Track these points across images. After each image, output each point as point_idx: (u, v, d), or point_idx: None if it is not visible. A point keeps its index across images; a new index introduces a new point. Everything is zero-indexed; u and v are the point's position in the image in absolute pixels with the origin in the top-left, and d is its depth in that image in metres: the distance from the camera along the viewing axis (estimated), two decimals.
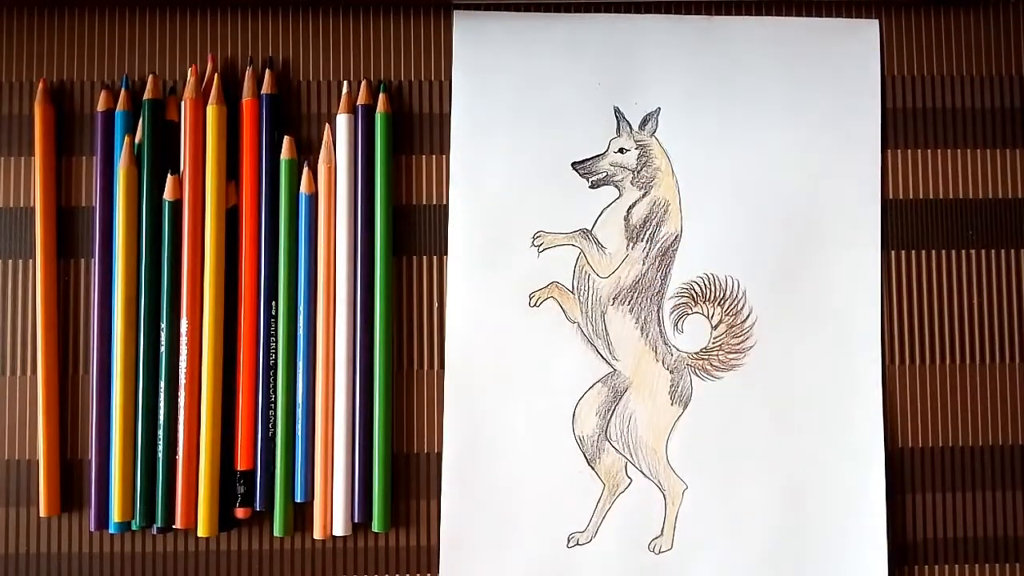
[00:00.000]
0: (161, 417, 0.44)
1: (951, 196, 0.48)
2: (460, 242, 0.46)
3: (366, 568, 0.45)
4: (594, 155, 0.47)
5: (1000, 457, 0.47)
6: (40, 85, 0.46)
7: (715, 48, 0.48)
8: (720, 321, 0.46)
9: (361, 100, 0.46)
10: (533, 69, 0.47)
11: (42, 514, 0.44)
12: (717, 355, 0.46)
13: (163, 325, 0.45)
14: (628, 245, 0.47)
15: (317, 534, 0.45)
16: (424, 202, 0.47)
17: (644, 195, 0.47)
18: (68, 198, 0.46)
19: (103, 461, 0.44)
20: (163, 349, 0.44)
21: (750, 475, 0.46)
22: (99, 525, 0.44)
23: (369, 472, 0.45)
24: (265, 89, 0.46)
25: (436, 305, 0.46)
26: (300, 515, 0.45)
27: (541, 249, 0.46)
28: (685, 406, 0.46)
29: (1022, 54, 0.48)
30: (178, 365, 0.45)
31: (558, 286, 0.46)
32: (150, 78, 0.45)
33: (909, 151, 0.48)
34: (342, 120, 0.46)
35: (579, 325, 0.46)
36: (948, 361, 0.47)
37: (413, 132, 0.47)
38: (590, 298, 0.46)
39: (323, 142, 0.46)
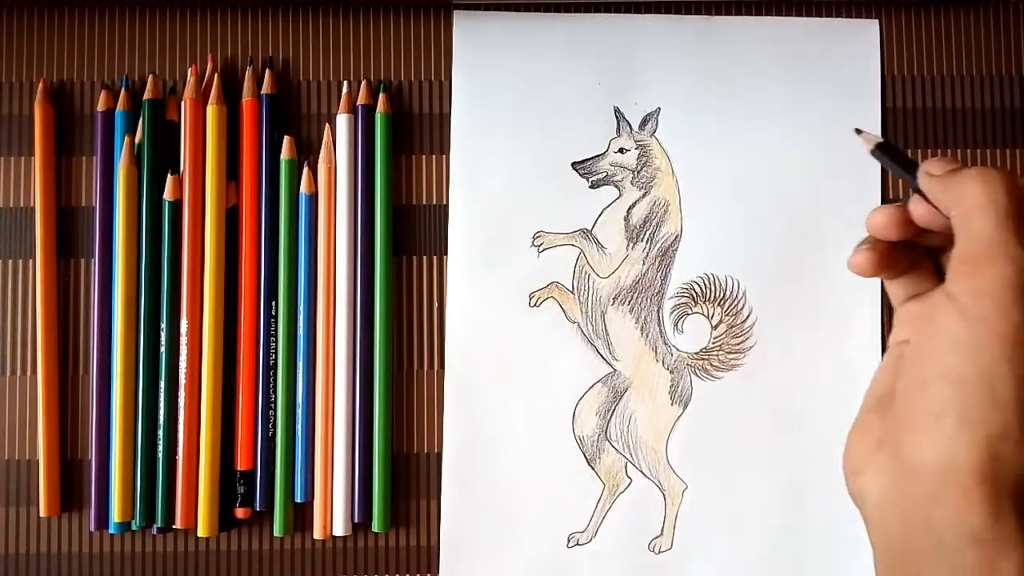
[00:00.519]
0: (161, 417, 0.44)
1: None
2: (460, 242, 0.46)
3: (366, 568, 0.45)
4: (594, 155, 0.47)
5: None
6: (40, 85, 0.46)
7: (715, 48, 0.48)
8: (720, 321, 0.46)
9: (361, 100, 0.46)
10: (533, 69, 0.47)
11: (42, 514, 0.44)
12: (717, 355, 0.46)
13: (163, 325, 0.45)
14: (628, 245, 0.47)
15: (317, 534, 0.45)
16: (424, 202, 0.47)
17: (644, 195, 0.47)
18: (68, 198, 0.46)
19: (103, 461, 0.44)
20: (163, 349, 0.44)
21: (750, 475, 0.46)
22: (99, 525, 0.44)
23: (369, 472, 0.45)
24: (265, 89, 0.46)
25: (436, 305, 0.46)
26: (300, 515, 0.45)
27: (541, 249, 0.46)
28: (685, 406, 0.46)
29: (1022, 54, 0.48)
30: (178, 365, 0.45)
31: (558, 286, 0.46)
32: (150, 78, 0.45)
33: (909, 151, 0.48)
34: (342, 120, 0.46)
35: (579, 325, 0.46)
36: None
37: (413, 132, 0.47)
38: (590, 298, 0.46)
39: (323, 142, 0.46)
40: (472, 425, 0.45)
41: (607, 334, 0.46)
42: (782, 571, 0.45)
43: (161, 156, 0.45)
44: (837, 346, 0.46)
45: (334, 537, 0.45)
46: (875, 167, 0.47)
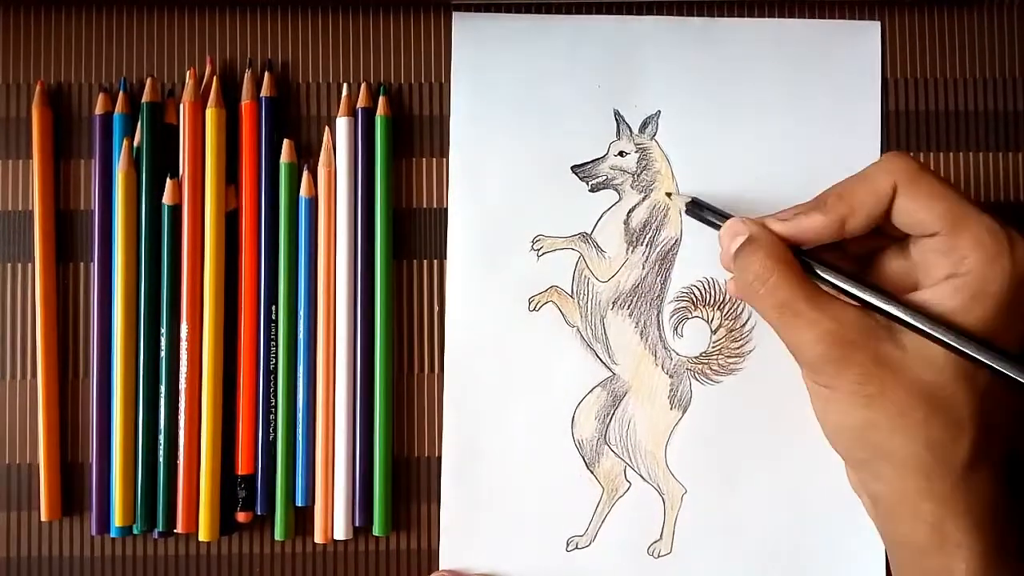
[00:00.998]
0: (162, 421, 0.44)
1: None
2: (459, 245, 0.46)
3: (367, 571, 0.45)
4: (594, 158, 0.47)
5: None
6: (38, 87, 0.45)
7: (715, 50, 0.47)
8: (720, 325, 0.46)
9: (361, 103, 0.46)
10: (533, 71, 0.47)
11: (43, 518, 0.44)
12: (716, 359, 0.46)
13: (163, 329, 0.44)
14: (628, 249, 0.47)
15: (318, 538, 0.45)
16: (424, 205, 0.47)
17: (644, 199, 0.47)
18: (67, 201, 0.46)
19: (104, 465, 0.44)
20: (163, 353, 0.44)
21: (749, 479, 0.46)
22: (100, 529, 0.44)
23: (370, 476, 0.45)
24: (264, 92, 0.46)
25: (436, 309, 0.46)
26: (301, 519, 0.45)
27: (540, 253, 0.46)
28: (684, 410, 0.46)
29: None
30: (178, 369, 0.45)
31: (557, 290, 0.46)
32: (148, 81, 0.45)
33: (912, 154, 0.47)
34: (342, 123, 0.46)
35: (578, 329, 0.46)
36: None
37: (413, 135, 0.47)
38: (589, 302, 0.46)
39: (323, 145, 0.46)
40: (471, 429, 0.46)
41: (606, 338, 0.46)
42: (781, 575, 0.45)
43: (160, 159, 0.45)
44: None
45: (335, 541, 0.45)
46: None
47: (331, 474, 0.45)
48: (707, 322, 0.46)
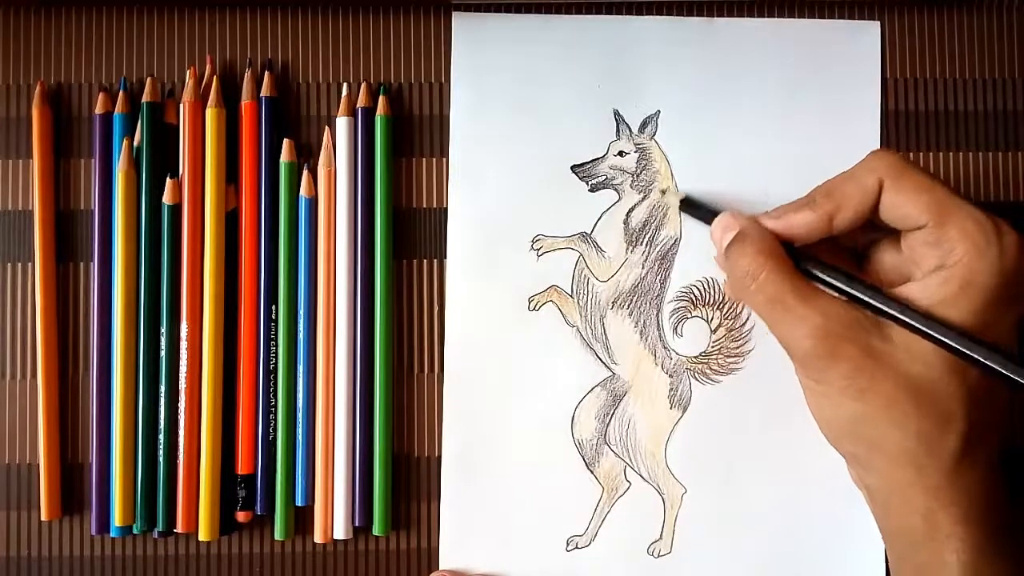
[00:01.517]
0: (162, 421, 0.44)
1: None
2: (459, 245, 0.46)
3: (367, 571, 0.45)
4: (593, 158, 0.47)
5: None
6: (38, 87, 0.45)
7: (715, 50, 0.47)
8: (719, 325, 0.46)
9: (361, 103, 0.46)
10: (533, 70, 0.47)
11: (43, 518, 0.44)
12: (716, 359, 0.46)
13: (163, 329, 0.44)
14: (627, 249, 0.47)
15: (318, 537, 0.45)
16: (424, 205, 0.47)
17: (643, 198, 0.47)
18: (67, 201, 0.46)
19: (104, 465, 0.44)
20: (163, 353, 0.44)
21: (749, 478, 0.46)
22: (100, 529, 0.44)
23: (370, 475, 0.45)
24: (264, 92, 0.46)
25: (436, 309, 0.46)
26: (301, 519, 0.45)
27: (540, 253, 0.46)
28: (684, 410, 0.46)
29: None
30: (178, 369, 0.45)
31: (557, 290, 0.46)
32: (148, 80, 0.45)
33: (910, 154, 0.48)
34: (342, 123, 0.46)
35: (578, 329, 0.46)
36: None
37: (413, 134, 0.47)
38: (589, 302, 0.46)
39: (323, 145, 0.46)
40: (471, 428, 0.46)
41: (606, 338, 0.46)
42: (781, 575, 0.45)
43: (160, 159, 0.45)
44: None
45: (335, 540, 0.45)
46: None
47: (331, 474, 0.45)
48: (707, 322, 0.46)
